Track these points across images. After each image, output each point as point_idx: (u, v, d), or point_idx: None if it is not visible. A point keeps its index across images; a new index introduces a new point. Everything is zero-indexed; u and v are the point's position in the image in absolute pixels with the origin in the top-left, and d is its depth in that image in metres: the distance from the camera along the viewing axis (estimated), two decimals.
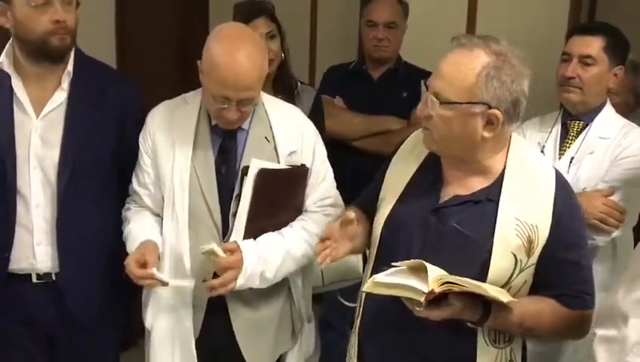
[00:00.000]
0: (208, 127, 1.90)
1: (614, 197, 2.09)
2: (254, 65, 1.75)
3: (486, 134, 1.54)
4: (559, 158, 2.20)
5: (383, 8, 2.83)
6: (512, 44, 1.54)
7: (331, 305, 2.70)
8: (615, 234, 2.10)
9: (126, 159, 1.99)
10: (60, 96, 1.96)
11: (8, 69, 1.95)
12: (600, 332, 1.30)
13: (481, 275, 1.50)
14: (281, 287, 1.96)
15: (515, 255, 1.52)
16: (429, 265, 1.42)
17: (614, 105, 2.27)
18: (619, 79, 2.22)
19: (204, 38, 1.81)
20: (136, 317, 2.05)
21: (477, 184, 1.60)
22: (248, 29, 1.89)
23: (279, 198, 1.91)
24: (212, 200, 1.86)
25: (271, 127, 1.92)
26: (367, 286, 1.49)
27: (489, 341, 1.57)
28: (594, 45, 2.16)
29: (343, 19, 3.82)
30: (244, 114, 1.83)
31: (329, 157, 2.04)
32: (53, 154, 1.95)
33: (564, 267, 1.56)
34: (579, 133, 2.21)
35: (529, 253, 1.53)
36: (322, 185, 1.98)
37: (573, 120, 2.23)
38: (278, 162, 1.89)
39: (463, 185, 1.61)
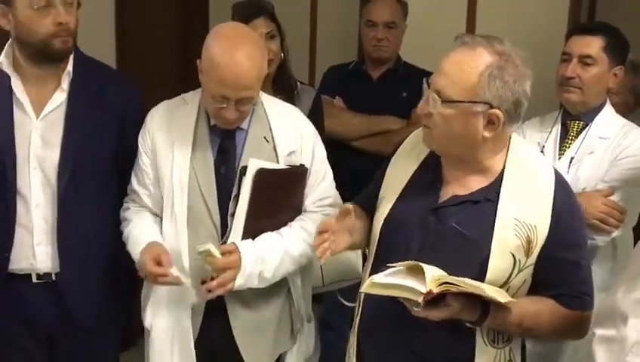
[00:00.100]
0: (207, 127, 1.90)
1: (614, 197, 2.09)
2: (253, 65, 1.75)
3: (486, 134, 1.54)
4: (559, 158, 2.20)
5: (383, 8, 2.83)
6: (514, 45, 1.54)
7: (331, 304, 2.70)
8: (615, 234, 2.10)
9: (126, 159, 1.99)
10: (60, 97, 1.96)
11: (8, 69, 1.95)
12: (599, 332, 1.30)
13: (480, 275, 1.50)
14: (280, 287, 1.96)
15: (513, 255, 1.52)
16: (425, 266, 1.42)
17: (614, 105, 2.27)
18: (619, 79, 2.22)
19: (204, 38, 1.81)
20: (136, 317, 2.05)
21: (476, 184, 1.60)
22: (248, 29, 1.89)
23: (278, 198, 1.91)
24: (211, 200, 1.86)
25: (270, 127, 1.92)
26: (365, 287, 1.50)
27: (488, 341, 1.57)
28: (594, 45, 2.16)
29: (343, 19, 3.82)
30: (243, 113, 1.83)
31: (329, 157, 2.03)
32: (54, 155, 1.95)
33: (563, 267, 1.56)
34: (579, 133, 2.21)
35: (528, 253, 1.53)
36: (321, 185, 1.98)
37: (573, 120, 2.23)
38: (278, 162, 1.89)
39: (462, 185, 1.61)
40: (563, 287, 1.57)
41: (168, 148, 1.89)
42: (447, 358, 1.58)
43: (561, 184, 1.59)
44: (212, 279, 1.81)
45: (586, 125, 2.21)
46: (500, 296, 1.44)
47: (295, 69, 2.56)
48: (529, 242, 1.53)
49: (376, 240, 1.68)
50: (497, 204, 1.55)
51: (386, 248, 1.65)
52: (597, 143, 2.16)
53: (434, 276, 1.40)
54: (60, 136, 1.94)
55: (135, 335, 2.32)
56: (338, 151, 2.47)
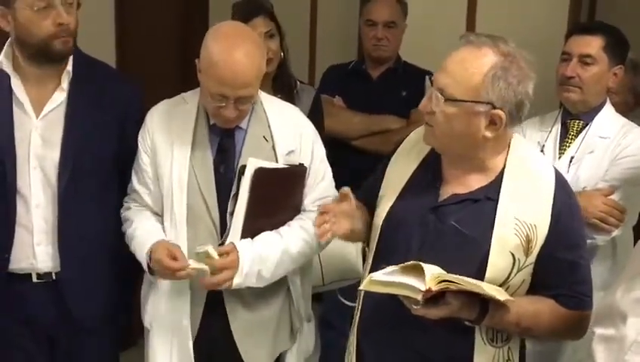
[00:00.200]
0: (207, 126, 1.90)
1: (614, 197, 2.09)
2: (252, 64, 1.76)
3: (488, 134, 1.54)
4: (559, 158, 2.20)
5: (383, 8, 2.84)
6: (518, 46, 1.54)
7: (331, 304, 2.70)
8: (615, 233, 2.10)
9: (126, 159, 1.99)
10: (60, 96, 1.96)
11: (7, 69, 1.94)
12: (599, 331, 1.30)
13: (479, 274, 1.50)
14: (279, 287, 1.96)
15: (513, 254, 1.52)
16: (425, 265, 1.42)
17: (614, 105, 2.28)
18: (618, 78, 2.22)
19: None
20: (136, 317, 2.05)
21: (476, 183, 1.60)
22: (246, 28, 1.89)
23: (277, 198, 1.91)
24: (210, 199, 1.86)
25: (269, 126, 1.92)
26: (364, 285, 1.50)
27: (486, 340, 1.57)
28: (593, 45, 2.16)
29: (343, 18, 3.82)
30: (242, 112, 1.83)
31: (328, 156, 2.03)
32: (54, 154, 1.94)
33: (562, 267, 1.56)
34: (579, 132, 2.22)
35: (527, 252, 1.53)
36: (321, 185, 1.97)
37: (573, 119, 2.23)
38: (277, 161, 1.89)
39: (462, 184, 1.61)
40: (562, 287, 1.57)
41: (168, 148, 1.89)
42: (446, 356, 1.58)
43: (561, 184, 1.59)
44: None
45: (586, 124, 2.21)
46: (499, 295, 1.45)
47: (295, 68, 2.56)
48: (528, 241, 1.53)
49: (377, 238, 1.68)
50: (497, 203, 1.55)
51: (387, 246, 1.65)
52: (597, 143, 2.16)
53: (433, 274, 1.40)
54: (60, 136, 1.94)
55: (135, 334, 2.32)
56: (338, 150, 2.47)
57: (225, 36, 1.78)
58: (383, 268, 1.49)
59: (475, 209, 1.57)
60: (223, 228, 1.87)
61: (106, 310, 2.07)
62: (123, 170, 2.02)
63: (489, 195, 1.57)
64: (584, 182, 2.13)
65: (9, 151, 1.92)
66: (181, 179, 1.86)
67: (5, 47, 1.97)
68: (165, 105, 1.97)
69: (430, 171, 1.66)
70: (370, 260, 1.71)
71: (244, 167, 1.84)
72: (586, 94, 2.18)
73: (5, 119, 1.92)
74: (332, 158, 2.06)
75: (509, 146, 1.61)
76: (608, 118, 2.21)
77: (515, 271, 1.53)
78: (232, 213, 1.85)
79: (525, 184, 1.57)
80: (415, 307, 1.43)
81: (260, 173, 1.83)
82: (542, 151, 2.20)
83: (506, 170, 1.59)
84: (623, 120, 2.22)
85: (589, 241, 1.87)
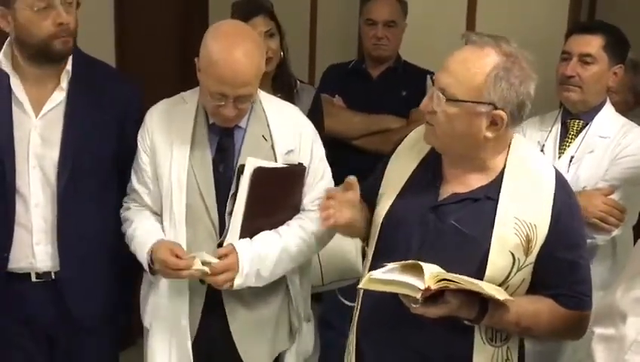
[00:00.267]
0: (206, 125, 1.90)
1: (614, 196, 2.09)
2: (252, 62, 1.75)
3: (489, 134, 1.54)
4: (559, 157, 2.20)
5: (383, 7, 2.83)
6: (519, 46, 1.54)
7: (331, 304, 2.70)
8: (615, 233, 2.10)
9: (126, 159, 1.98)
10: (59, 95, 1.96)
11: (7, 68, 1.94)
12: (598, 330, 1.30)
13: (479, 273, 1.50)
14: (278, 286, 1.96)
15: (512, 253, 1.52)
16: (424, 264, 1.42)
17: (614, 104, 2.27)
18: (618, 78, 2.22)
19: None
20: (136, 316, 2.05)
21: (476, 182, 1.60)
22: (246, 26, 1.89)
23: (276, 197, 1.90)
24: (209, 198, 1.86)
25: (268, 126, 1.92)
26: (363, 283, 1.49)
27: (486, 339, 1.57)
28: (593, 44, 2.16)
29: (343, 17, 3.82)
30: (242, 111, 1.83)
31: (328, 156, 2.03)
32: (53, 154, 1.94)
33: (562, 267, 1.56)
34: (579, 132, 2.21)
35: (527, 252, 1.53)
36: (320, 184, 1.97)
37: (573, 119, 2.23)
38: (276, 161, 1.89)
39: (462, 183, 1.61)
40: (562, 287, 1.57)
41: (167, 147, 1.89)
42: (445, 355, 1.58)
43: (561, 183, 1.59)
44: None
45: (586, 124, 2.20)
46: (499, 294, 1.45)
47: (295, 67, 2.55)
48: (528, 241, 1.53)
49: (377, 236, 1.68)
50: (497, 203, 1.55)
51: (386, 245, 1.65)
52: (597, 142, 2.16)
53: (432, 273, 1.40)
54: (59, 135, 1.94)
55: (134, 334, 2.32)
56: (338, 150, 2.47)
57: (224, 35, 1.77)
58: (382, 266, 1.49)
59: (475, 208, 1.57)
60: (222, 228, 1.86)
61: (105, 310, 2.07)
62: (122, 169, 2.01)
63: (489, 195, 1.57)
64: (584, 182, 2.12)
65: (8, 151, 1.92)
66: (180, 179, 1.86)
67: (4, 47, 1.97)
68: (164, 104, 1.97)
69: (430, 170, 1.66)
70: (369, 259, 1.71)
71: (242, 166, 1.83)
72: (585, 94, 2.18)
73: (4, 118, 1.92)
74: (332, 158, 2.05)
75: (509, 146, 1.61)
76: (608, 117, 2.21)
77: (514, 270, 1.53)
78: (230, 213, 1.85)
79: (525, 184, 1.57)
80: (414, 306, 1.43)
81: (258, 172, 1.82)
82: (542, 150, 2.20)
83: (506, 169, 1.59)
84: (623, 119, 2.22)
85: (589, 241, 1.87)
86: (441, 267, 1.45)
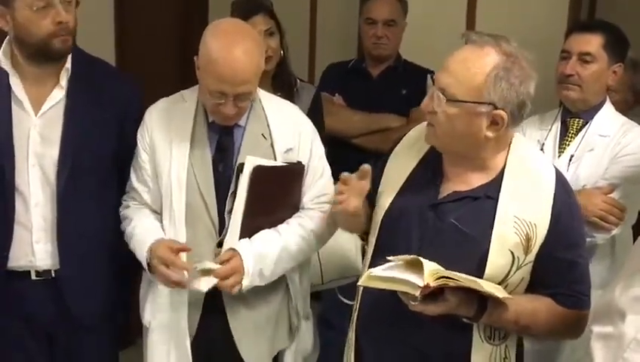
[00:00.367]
0: (205, 124, 1.90)
1: (614, 195, 2.09)
2: (251, 61, 1.75)
3: (489, 134, 1.54)
4: (559, 156, 2.20)
5: (382, 6, 2.83)
6: (519, 45, 1.54)
7: (331, 302, 2.70)
8: (615, 231, 2.10)
9: (125, 157, 1.98)
10: (59, 94, 1.96)
11: (6, 66, 1.94)
12: (597, 329, 1.29)
13: (478, 271, 1.50)
14: (278, 284, 1.96)
15: (512, 252, 1.52)
16: (424, 261, 1.42)
17: (613, 103, 2.27)
18: (618, 77, 2.22)
19: None
20: (135, 316, 2.05)
21: (476, 180, 1.60)
22: (245, 25, 1.89)
23: (275, 195, 1.90)
24: (209, 197, 1.86)
25: (268, 124, 1.92)
26: (362, 280, 1.49)
27: (484, 337, 1.57)
28: (593, 43, 2.16)
29: (343, 16, 3.82)
30: (241, 109, 1.83)
31: (328, 154, 2.03)
32: (53, 152, 1.94)
33: (561, 266, 1.56)
34: (578, 130, 2.21)
35: (527, 251, 1.53)
36: (319, 182, 1.97)
37: (573, 117, 2.23)
38: (275, 159, 1.89)
39: (462, 181, 1.61)
40: (561, 286, 1.57)
41: (167, 145, 1.89)
42: (444, 353, 1.58)
43: (561, 183, 1.59)
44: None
45: (586, 123, 2.20)
46: (498, 292, 1.45)
47: (295, 66, 2.55)
48: (528, 240, 1.53)
49: (377, 233, 1.68)
50: (497, 202, 1.55)
51: (386, 242, 1.65)
52: (597, 141, 2.16)
53: (431, 270, 1.40)
54: (59, 134, 1.94)
55: (134, 333, 2.32)
56: (338, 148, 2.47)
57: (224, 33, 1.77)
58: (382, 264, 1.49)
59: (475, 207, 1.57)
60: (222, 227, 1.86)
61: (104, 308, 2.07)
62: (122, 168, 2.01)
63: (489, 193, 1.57)
64: (584, 181, 2.12)
65: (8, 149, 1.92)
66: (180, 177, 1.86)
67: (4, 45, 1.97)
68: (164, 103, 1.97)
69: (430, 168, 1.66)
70: (369, 256, 1.71)
71: (242, 165, 1.83)
72: (585, 92, 2.18)
73: (4, 117, 1.92)
74: (332, 157, 2.05)
75: (509, 145, 1.61)
76: (608, 116, 2.21)
77: (514, 269, 1.53)
78: (230, 211, 1.85)
79: (525, 183, 1.57)
80: (413, 303, 1.43)
81: (258, 171, 1.82)
82: (542, 149, 2.20)
83: (506, 168, 1.59)
84: (622, 118, 2.22)
85: (588, 240, 1.86)
86: (441, 265, 1.45)
